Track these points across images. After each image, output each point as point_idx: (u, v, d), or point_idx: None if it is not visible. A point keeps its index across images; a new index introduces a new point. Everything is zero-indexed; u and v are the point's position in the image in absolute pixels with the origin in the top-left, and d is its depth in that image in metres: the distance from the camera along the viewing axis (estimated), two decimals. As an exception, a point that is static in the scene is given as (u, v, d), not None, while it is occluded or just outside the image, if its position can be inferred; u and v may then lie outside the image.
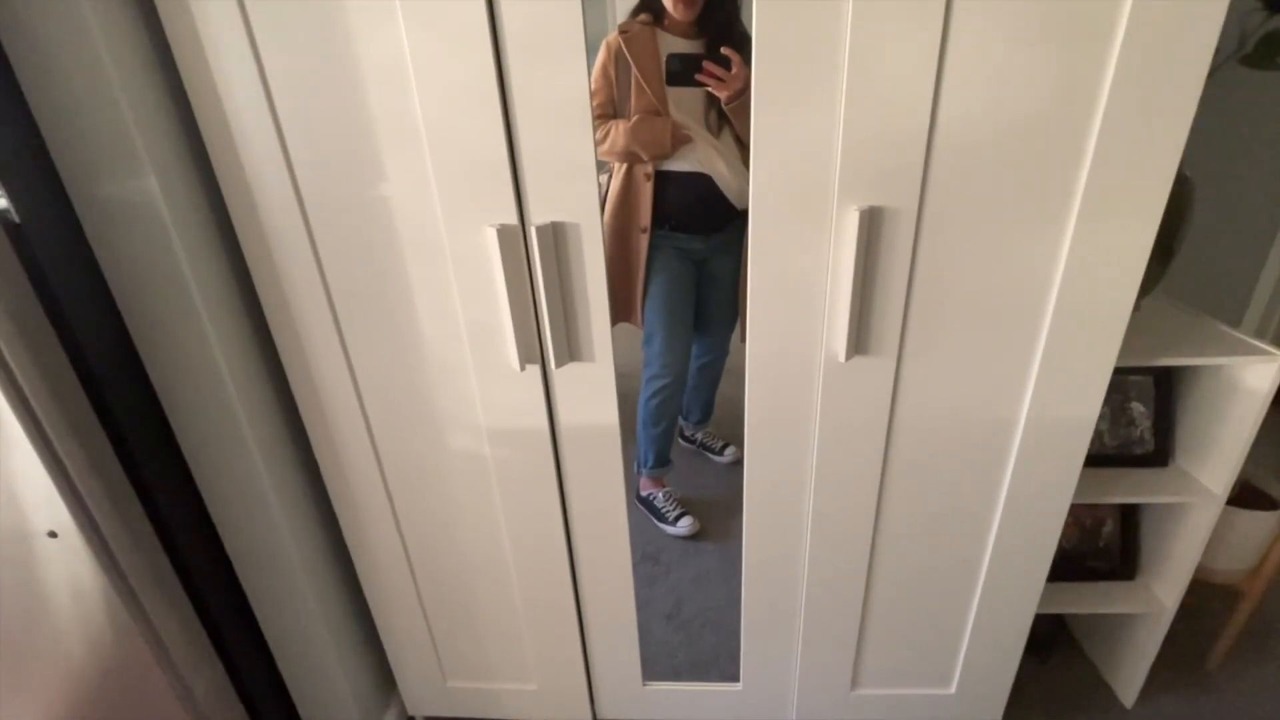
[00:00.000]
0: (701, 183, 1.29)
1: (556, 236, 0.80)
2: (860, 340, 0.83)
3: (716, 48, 1.06)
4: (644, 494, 1.64)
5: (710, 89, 1.08)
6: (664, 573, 1.58)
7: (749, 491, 0.97)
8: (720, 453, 1.76)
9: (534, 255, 0.80)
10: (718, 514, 1.63)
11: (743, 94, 1.06)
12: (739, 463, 0.94)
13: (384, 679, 1.27)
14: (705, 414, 1.72)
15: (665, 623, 1.41)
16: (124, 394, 0.84)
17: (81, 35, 0.68)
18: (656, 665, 1.24)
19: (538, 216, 0.79)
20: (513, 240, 0.79)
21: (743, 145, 1.25)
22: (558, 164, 0.76)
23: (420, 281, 0.85)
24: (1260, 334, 1.72)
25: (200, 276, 0.82)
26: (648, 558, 1.63)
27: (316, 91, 0.74)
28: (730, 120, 1.22)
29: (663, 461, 1.62)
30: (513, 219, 0.79)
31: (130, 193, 0.75)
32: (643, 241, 1.33)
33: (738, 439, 0.93)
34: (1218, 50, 0.68)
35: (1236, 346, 0.97)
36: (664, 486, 1.64)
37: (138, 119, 0.73)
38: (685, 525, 1.58)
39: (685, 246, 1.37)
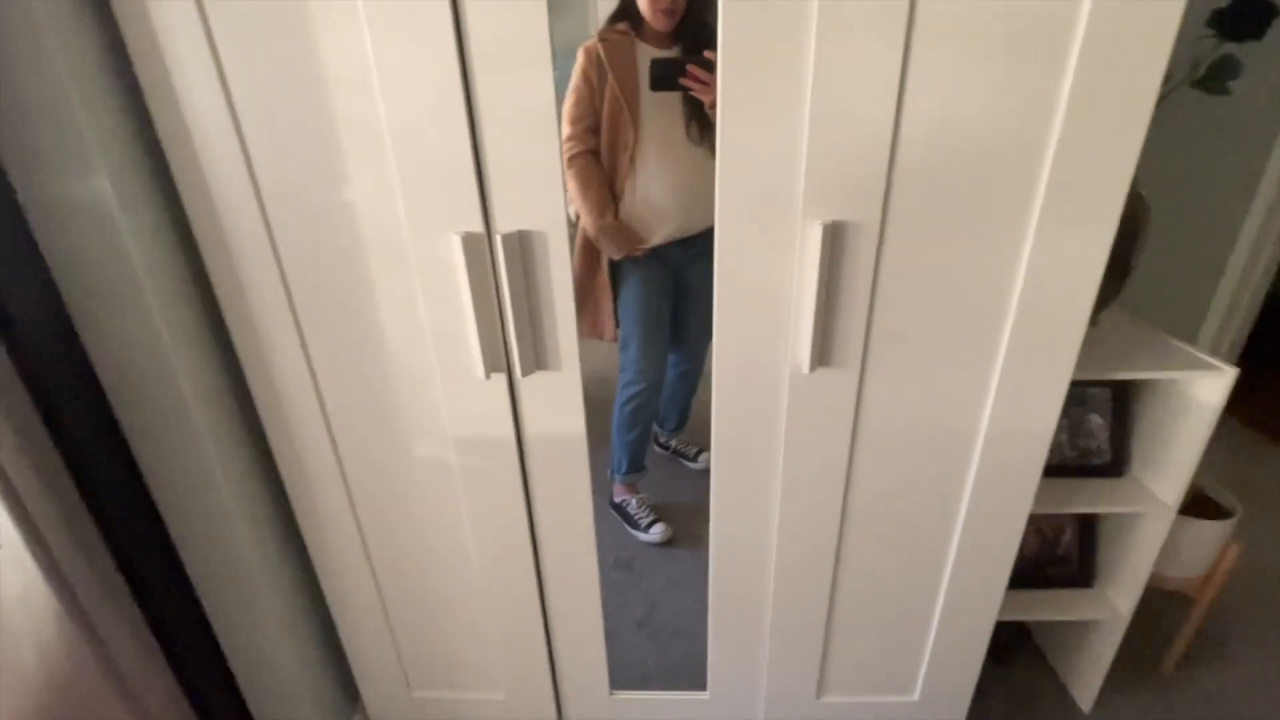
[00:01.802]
0: (675, 196, 1.29)
1: (523, 245, 0.80)
2: (824, 352, 0.84)
3: (696, 54, 1.06)
4: (617, 500, 1.64)
5: (695, 93, 1.08)
6: (636, 580, 1.57)
7: (716, 500, 0.97)
8: (694, 459, 1.76)
9: (499, 264, 0.79)
10: (690, 520, 1.64)
11: None
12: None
13: (347, 689, 1.25)
14: (680, 422, 1.73)
15: (637, 630, 1.40)
16: (73, 401, 0.82)
17: (32, 33, 0.66)
18: (627, 673, 1.23)
19: (503, 225, 0.79)
20: (478, 248, 0.79)
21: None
22: (524, 172, 0.76)
23: (385, 288, 0.84)
24: (1215, 348, 1.77)
25: (155, 280, 0.80)
26: (620, 564, 1.63)
27: (278, 94, 0.73)
28: (713, 127, 1.22)
29: (637, 467, 1.62)
30: (478, 227, 0.78)
31: (81, 192, 0.73)
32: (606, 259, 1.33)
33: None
34: (1170, 74, 0.70)
35: (1189, 361, 1.00)
36: (637, 493, 1.64)
37: (90, 118, 0.71)
38: (658, 532, 1.58)
39: (659, 255, 1.38)
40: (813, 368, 0.84)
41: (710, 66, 1.09)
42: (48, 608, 0.81)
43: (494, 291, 0.82)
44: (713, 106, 1.15)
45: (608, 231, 1.23)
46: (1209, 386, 0.99)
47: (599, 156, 1.27)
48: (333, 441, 0.95)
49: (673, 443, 1.75)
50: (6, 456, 0.74)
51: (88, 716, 0.89)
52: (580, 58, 1.23)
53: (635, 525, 1.61)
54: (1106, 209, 0.75)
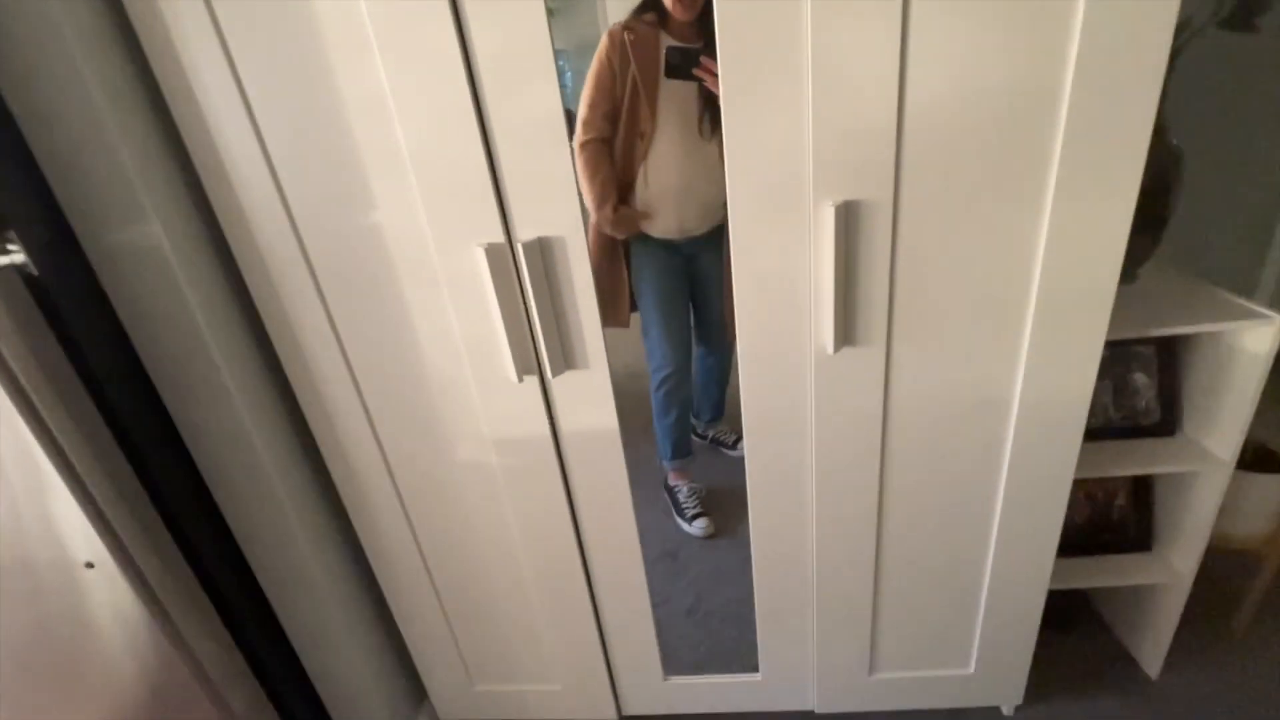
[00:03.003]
0: (684, 189, 1.31)
1: (543, 251, 0.82)
2: (848, 331, 0.84)
3: (695, 56, 1.07)
4: (671, 484, 1.67)
5: (707, 85, 1.10)
6: (682, 570, 1.60)
7: (752, 486, 0.98)
8: (733, 447, 1.78)
9: (523, 271, 0.82)
10: (732, 507, 1.65)
11: None
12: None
13: (414, 687, 1.31)
14: (716, 413, 1.74)
15: (686, 618, 1.43)
16: (146, 429, 0.89)
17: (78, 86, 0.72)
18: (679, 660, 1.26)
19: (524, 233, 0.82)
20: (501, 258, 0.82)
21: None
22: (539, 181, 0.78)
23: (417, 303, 0.88)
24: (1277, 300, 1.68)
25: (208, 314, 0.86)
26: (666, 555, 1.65)
27: (304, 129, 0.78)
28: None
29: (681, 452, 1.65)
30: (500, 238, 0.82)
31: (136, 237, 0.80)
32: (620, 247, 1.36)
33: (745, 433, 0.95)
34: (1193, 17, 0.68)
35: (1233, 311, 0.96)
36: (690, 480, 1.66)
37: (137, 165, 0.77)
38: (700, 527, 1.61)
39: (671, 245, 1.39)
40: (837, 348, 0.84)
41: None
42: (140, 620, 0.88)
43: (520, 297, 0.85)
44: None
45: (607, 221, 1.27)
46: (1258, 336, 0.95)
47: (611, 145, 1.29)
48: (382, 453, 1.00)
49: (711, 432, 1.76)
50: (94, 484, 0.81)
51: (182, 718, 0.97)
52: (604, 42, 1.25)
53: (682, 514, 1.64)
54: (1127, 165, 0.73)
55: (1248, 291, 1.00)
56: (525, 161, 0.77)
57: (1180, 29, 0.67)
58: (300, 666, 1.15)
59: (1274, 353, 0.93)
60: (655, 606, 1.14)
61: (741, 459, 0.93)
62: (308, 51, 0.74)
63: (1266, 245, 1.65)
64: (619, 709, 1.27)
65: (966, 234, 0.78)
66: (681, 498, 1.65)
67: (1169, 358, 1.09)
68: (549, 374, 0.90)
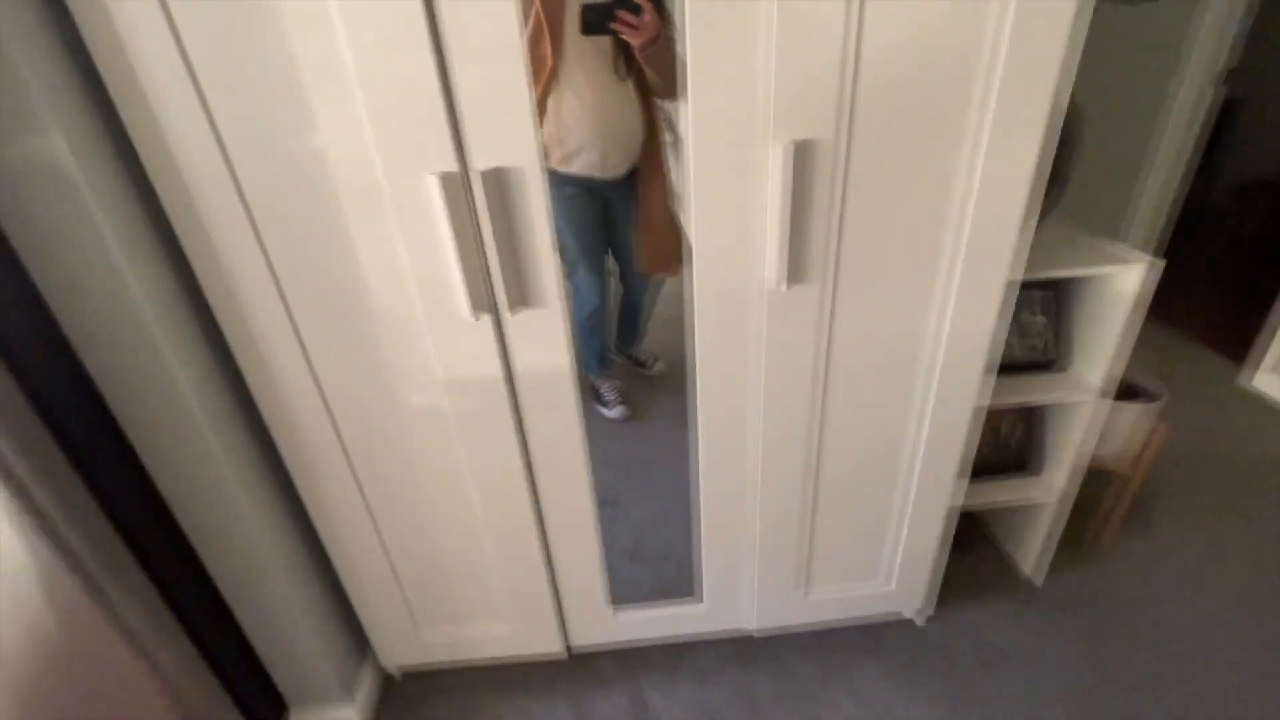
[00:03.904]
0: (596, 125, 1.31)
1: (500, 183, 0.81)
2: (796, 269, 0.89)
3: (610, 10, 1.08)
4: (594, 384, 1.76)
5: (625, 37, 1.11)
6: (623, 515, 1.65)
7: (702, 415, 1.03)
8: (649, 367, 1.88)
9: (479, 203, 0.80)
10: (648, 406, 1.73)
11: (655, 41, 1.08)
12: (666, 376, 0.99)
13: (357, 637, 1.29)
14: (635, 340, 1.82)
15: (628, 560, 1.48)
16: (50, 367, 0.80)
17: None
18: (623, 597, 1.31)
19: (480, 162, 0.79)
20: (456, 189, 0.79)
21: (645, 93, 1.28)
22: (496, 106, 0.76)
23: (363, 235, 0.84)
24: (1146, 244, 1.91)
25: (123, 243, 0.78)
26: (606, 502, 1.70)
27: (233, 37, 0.71)
28: (641, 67, 1.24)
29: (605, 366, 1.75)
30: (454, 166, 0.79)
31: (35, 152, 0.71)
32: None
33: (665, 353, 0.99)
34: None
35: (1112, 257, 1.09)
36: (613, 380, 1.75)
37: (35, 72, 0.68)
38: (618, 411, 1.69)
39: (588, 185, 1.41)
40: (787, 285, 0.89)
41: (637, 9, 1.11)
42: (54, 572, 0.82)
43: (474, 231, 0.83)
44: (642, 49, 1.18)
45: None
46: (1129, 278, 1.09)
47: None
48: (322, 395, 0.96)
49: (630, 352, 1.85)
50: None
51: (108, 677, 0.91)
52: None
53: (604, 405, 1.72)
54: (1036, 116, 0.81)
55: (1122, 235, 1.14)
56: (481, 82, 0.75)
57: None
58: (235, 622, 1.11)
59: (1142, 293, 1.07)
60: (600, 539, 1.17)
61: (654, 378, 0.98)
62: (237, -52, 0.67)
63: (1133, 201, 1.86)
64: (568, 644, 1.31)
65: (904, 177, 0.84)
66: (603, 391, 1.75)
67: (1062, 302, 1.22)
68: (505, 312, 0.89)
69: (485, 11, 0.71)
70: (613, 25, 1.07)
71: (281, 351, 0.91)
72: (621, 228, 1.53)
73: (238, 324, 0.89)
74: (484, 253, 0.84)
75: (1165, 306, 2.34)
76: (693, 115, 0.78)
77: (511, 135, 0.78)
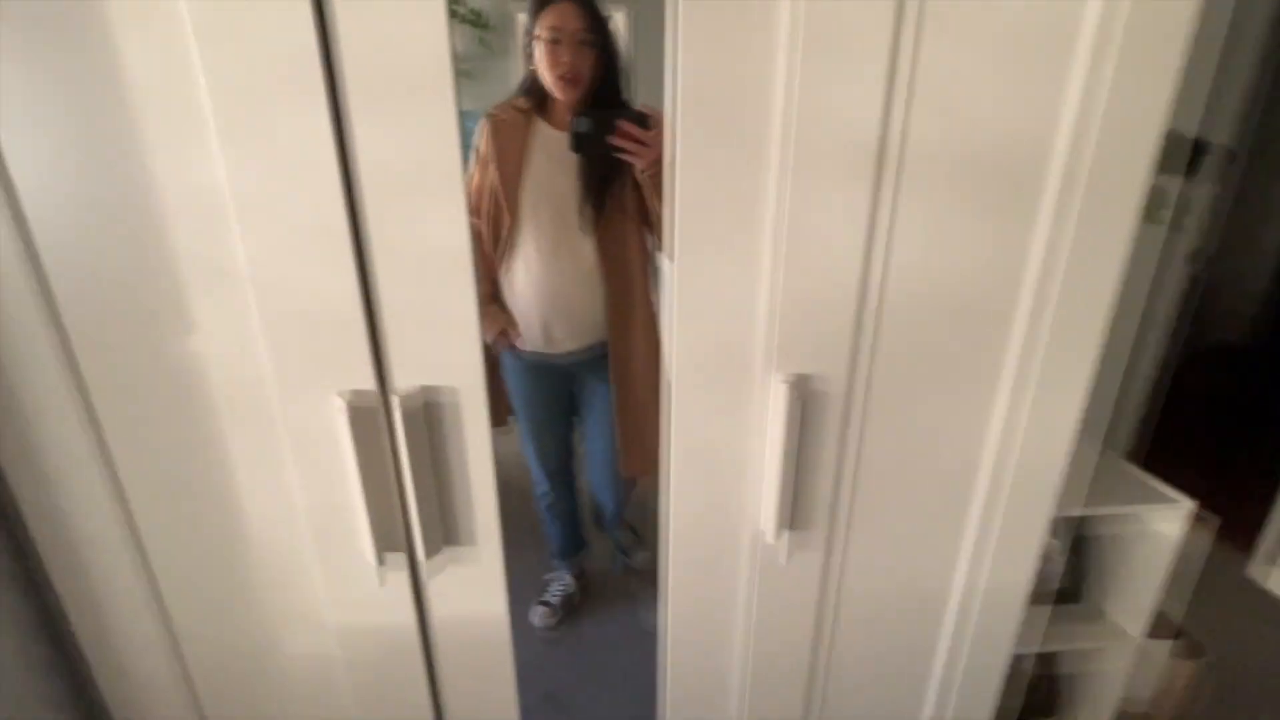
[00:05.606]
0: (556, 297, 1.18)
1: (428, 407, 0.63)
2: (791, 517, 0.72)
3: (611, 131, 0.93)
4: (551, 574, 1.59)
5: (627, 156, 0.95)
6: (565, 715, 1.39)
7: (673, 683, 0.82)
8: (630, 556, 1.64)
9: (398, 430, 0.62)
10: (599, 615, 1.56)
11: (661, 161, 0.96)
12: (653, 569, 0.78)
13: None
14: (613, 519, 1.59)
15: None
16: None
17: None
18: None
19: (403, 380, 0.62)
20: (369, 413, 0.62)
21: (609, 254, 1.15)
22: (431, 323, 0.60)
23: (243, 455, 0.65)
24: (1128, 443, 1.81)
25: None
26: (548, 699, 1.44)
27: (91, 210, 0.55)
28: (605, 213, 1.11)
29: (566, 553, 1.58)
30: (369, 384, 0.62)
31: None
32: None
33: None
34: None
35: (1146, 494, 0.96)
36: (571, 574, 1.58)
37: None
38: (538, 614, 1.51)
39: (542, 362, 1.26)
40: (778, 534, 0.72)
41: (644, 122, 0.92)
42: None
43: (391, 461, 0.65)
44: (646, 169, 0.97)
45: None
46: (1170, 518, 0.95)
47: (483, 237, 1.16)
48: (172, 636, 0.72)
49: (614, 533, 1.62)
50: None
51: None
52: (481, 125, 1.12)
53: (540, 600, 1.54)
54: (1081, 363, 0.69)
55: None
56: (414, 299, 0.59)
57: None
58: None
59: (1181, 539, 0.93)
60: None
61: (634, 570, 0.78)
62: (117, 119, 0.52)
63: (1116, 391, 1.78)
64: None
65: (933, 416, 0.70)
66: (549, 588, 1.55)
67: (1078, 528, 1.08)
68: (420, 553, 0.69)
69: (425, 220, 0.57)
70: (613, 140, 0.91)
71: (118, 572, 0.68)
72: (591, 415, 1.34)
73: (61, 543, 0.66)
74: (401, 488, 0.66)
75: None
76: (676, 341, 0.64)
77: (448, 352, 0.62)
